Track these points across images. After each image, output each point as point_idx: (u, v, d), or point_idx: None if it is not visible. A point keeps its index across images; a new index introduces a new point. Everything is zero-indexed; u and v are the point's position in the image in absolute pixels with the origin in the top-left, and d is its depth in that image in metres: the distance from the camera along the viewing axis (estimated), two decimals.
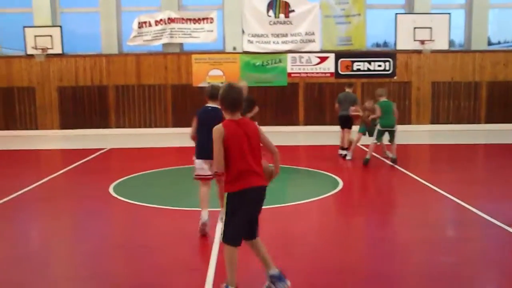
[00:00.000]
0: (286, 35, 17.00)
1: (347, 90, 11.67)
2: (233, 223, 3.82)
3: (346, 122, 11.44)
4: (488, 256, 5.19)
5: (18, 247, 5.70)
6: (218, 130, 3.83)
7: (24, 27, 16.93)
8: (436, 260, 5.01)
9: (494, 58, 17.26)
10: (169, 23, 16.84)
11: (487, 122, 17.37)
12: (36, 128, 17.39)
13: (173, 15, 16.85)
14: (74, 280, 4.74)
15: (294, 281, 4.56)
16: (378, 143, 10.64)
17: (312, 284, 4.47)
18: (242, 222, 3.85)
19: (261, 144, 3.99)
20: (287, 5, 16.92)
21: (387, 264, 4.93)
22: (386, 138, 10.49)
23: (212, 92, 5.68)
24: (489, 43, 17.88)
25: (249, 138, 3.88)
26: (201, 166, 5.70)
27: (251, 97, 6.65)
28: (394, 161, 10.17)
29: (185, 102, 17.11)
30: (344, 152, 11.41)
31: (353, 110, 11.22)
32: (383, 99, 10.47)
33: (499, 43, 18.82)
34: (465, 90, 17.32)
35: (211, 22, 16.91)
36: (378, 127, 10.37)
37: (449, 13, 16.89)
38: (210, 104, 5.79)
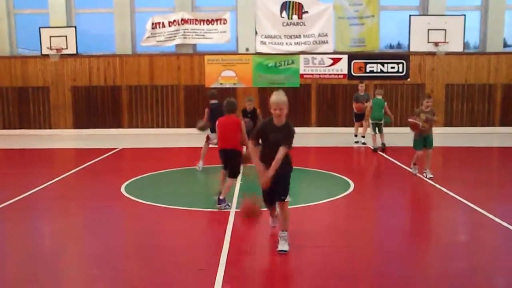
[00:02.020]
0: (299, 36, 16.97)
1: None
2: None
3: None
4: (501, 261, 5.12)
5: (30, 245, 5.75)
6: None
7: (40, 27, 17.12)
8: (448, 264, 4.96)
9: (510, 60, 17.05)
10: (182, 24, 16.90)
11: (501, 125, 17.17)
12: (50, 128, 17.56)
13: (187, 16, 16.91)
14: (85, 278, 4.77)
15: (305, 282, 4.55)
16: (375, 134, 12.64)
17: (321, 286, 4.45)
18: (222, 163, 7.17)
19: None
20: (300, 6, 16.88)
21: (397, 268, 4.89)
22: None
23: (212, 93, 10.11)
24: (505, 45, 17.67)
25: (228, 125, 7.09)
26: (213, 136, 9.33)
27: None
28: (383, 146, 12.46)
29: (197, 103, 17.15)
30: (356, 139, 14.03)
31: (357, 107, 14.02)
32: (378, 97, 12.77)
33: None
34: (480, 92, 17.14)
35: (224, 23, 16.94)
36: (370, 120, 12.87)
37: (464, 15, 16.72)
38: (213, 101, 9.84)
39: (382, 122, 12.65)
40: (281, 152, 5.02)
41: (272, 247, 5.60)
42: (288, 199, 5.23)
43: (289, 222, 5.24)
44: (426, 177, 8.93)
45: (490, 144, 14.44)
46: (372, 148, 12.60)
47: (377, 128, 12.64)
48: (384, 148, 12.42)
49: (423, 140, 9.05)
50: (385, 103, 12.74)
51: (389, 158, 11.25)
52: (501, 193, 8.34)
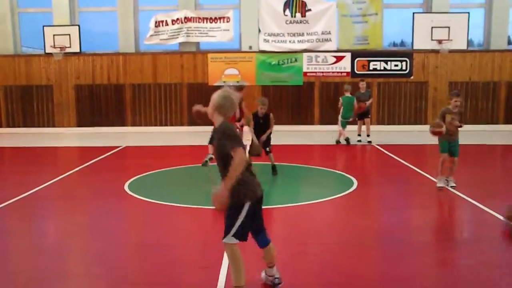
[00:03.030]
0: (302, 34, 16.95)
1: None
2: None
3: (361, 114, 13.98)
4: (506, 259, 5.11)
5: (33, 243, 5.78)
6: None
7: (44, 26, 17.16)
8: (452, 262, 4.95)
9: None
10: (185, 22, 16.91)
11: (505, 123, 17.11)
12: (53, 126, 17.60)
13: (190, 14, 16.91)
14: (87, 276, 4.78)
15: (306, 280, 4.55)
16: (343, 129, 13.51)
17: (323, 284, 4.45)
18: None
19: None
20: (303, 4, 16.86)
21: (401, 266, 4.88)
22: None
23: (240, 86, 10.03)
24: (509, 43, 17.59)
25: None
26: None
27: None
28: (348, 140, 13.37)
29: (201, 101, 17.02)
30: (359, 138, 13.80)
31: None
32: (347, 94, 13.34)
33: None
34: (484, 90, 17.08)
35: (227, 21, 16.93)
36: (340, 118, 13.39)
37: (468, 12, 16.65)
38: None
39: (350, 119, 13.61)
40: (233, 160, 3.76)
41: (275, 243, 5.60)
42: (229, 240, 4.00)
43: (240, 275, 3.98)
44: (448, 185, 7.98)
45: (494, 141, 14.39)
46: (337, 141, 13.58)
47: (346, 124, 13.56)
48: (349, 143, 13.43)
49: (448, 144, 7.99)
50: (354, 99, 13.45)
51: (392, 156, 11.24)
52: (504, 191, 8.30)
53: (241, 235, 3.99)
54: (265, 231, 4.20)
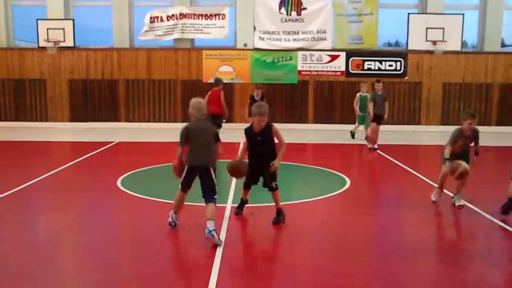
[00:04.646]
0: (297, 33, 16.95)
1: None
2: None
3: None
4: (496, 258, 5.15)
5: (24, 237, 5.75)
6: None
7: (37, 19, 17.04)
8: (443, 260, 4.98)
9: (507, 60, 17.09)
10: (180, 18, 16.87)
11: (498, 124, 17.22)
12: (46, 120, 17.50)
13: (185, 10, 16.87)
14: (80, 272, 4.77)
15: (300, 278, 4.56)
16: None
17: (316, 282, 4.47)
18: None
19: None
20: (299, 2, 16.86)
21: (393, 264, 4.91)
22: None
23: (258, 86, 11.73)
24: (503, 45, 17.69)
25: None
26: None
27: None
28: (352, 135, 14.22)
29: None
30: (370, 145, 12.33)
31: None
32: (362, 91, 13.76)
33: None
34: (477, 91, 17.17)
35: (223, 18, 16.91)
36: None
37: (462, 14, 16.74)
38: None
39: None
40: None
41: (269, 242, 5.61)
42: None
43: (174, 205, 5.92)
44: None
45: (487, 143, 14.44)
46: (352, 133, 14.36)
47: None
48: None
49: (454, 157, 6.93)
50: (366, 97, 13.49)
51: (385, 156, 11.27)
52: (494, 192, 8.35)
53: (181, 186, 5.75)
54: (210, 197, 5.51)
